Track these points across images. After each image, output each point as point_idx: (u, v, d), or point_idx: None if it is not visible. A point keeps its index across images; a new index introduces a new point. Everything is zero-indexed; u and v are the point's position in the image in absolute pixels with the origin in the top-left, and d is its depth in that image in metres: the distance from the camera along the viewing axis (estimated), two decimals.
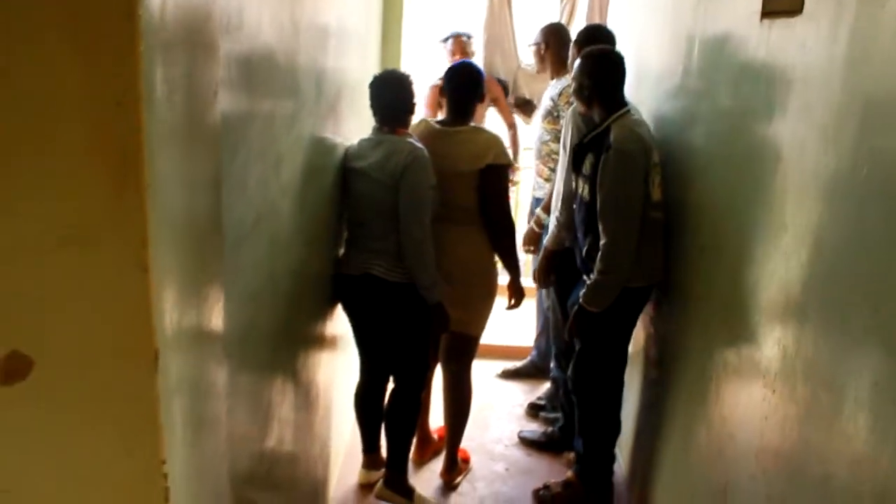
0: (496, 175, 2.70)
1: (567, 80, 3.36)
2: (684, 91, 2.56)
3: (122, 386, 0.85)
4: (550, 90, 3.47)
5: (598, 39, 2.80)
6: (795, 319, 1.50)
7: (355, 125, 2.77)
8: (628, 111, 2.53)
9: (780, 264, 1.58)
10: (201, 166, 1.09)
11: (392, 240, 2.50)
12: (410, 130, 2.68)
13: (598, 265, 2.45)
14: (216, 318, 1.19)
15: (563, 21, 4.67)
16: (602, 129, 2.51)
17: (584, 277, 2.63)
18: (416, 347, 2.69)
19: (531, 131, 3.84)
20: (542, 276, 3.10)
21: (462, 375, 2.95)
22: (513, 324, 4.00)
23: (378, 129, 2.61)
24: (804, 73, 1.52)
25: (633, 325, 2.71)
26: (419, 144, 2.54)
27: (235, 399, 1.48)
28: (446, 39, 4.30)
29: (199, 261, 1.09)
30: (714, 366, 2.00)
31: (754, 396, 1.68)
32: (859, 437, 1.21)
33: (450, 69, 2.81)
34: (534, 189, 3.61)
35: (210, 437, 1.18)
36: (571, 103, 3.24)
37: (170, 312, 0.91)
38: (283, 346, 1.96)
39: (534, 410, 3.59)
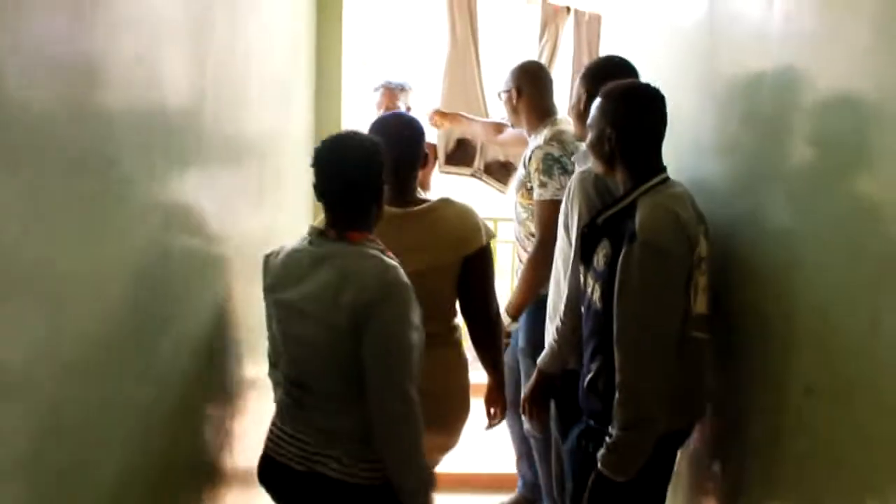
0: (486, 257, 2.04)
1: (544, 135, 2.52)
2: (745, 146, 1.80)
3: None
4: (526, 151, 2.64)
5: (616, 75, 1.95)
6: None
7: (272, 219, 1.87)
8: (666, 180, 1.77)
9: None
10: None
11: (355, 415, 1.56)
12: None
13: (616, 417, 1.69)
14: None
15: (543, 61, 3.86)
16: (624, 205, 1.75)
17: (586, 419, 1.85)
18: None
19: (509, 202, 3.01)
20: (530, 406, 2.21)
21: None
22: (493, 445, 3.10)
23: (319, 234, 1.63)
24: None
25: (670, 475, 1.91)
26: (391, 260, 1.62)
27: None
28: (377, 89, 3.49)
29: None
30: None
31: None
32: None
33: (375, 125, 1.99)
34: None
35: None
36: (547, 169, 2.43)
37: None
38: None
39: None
